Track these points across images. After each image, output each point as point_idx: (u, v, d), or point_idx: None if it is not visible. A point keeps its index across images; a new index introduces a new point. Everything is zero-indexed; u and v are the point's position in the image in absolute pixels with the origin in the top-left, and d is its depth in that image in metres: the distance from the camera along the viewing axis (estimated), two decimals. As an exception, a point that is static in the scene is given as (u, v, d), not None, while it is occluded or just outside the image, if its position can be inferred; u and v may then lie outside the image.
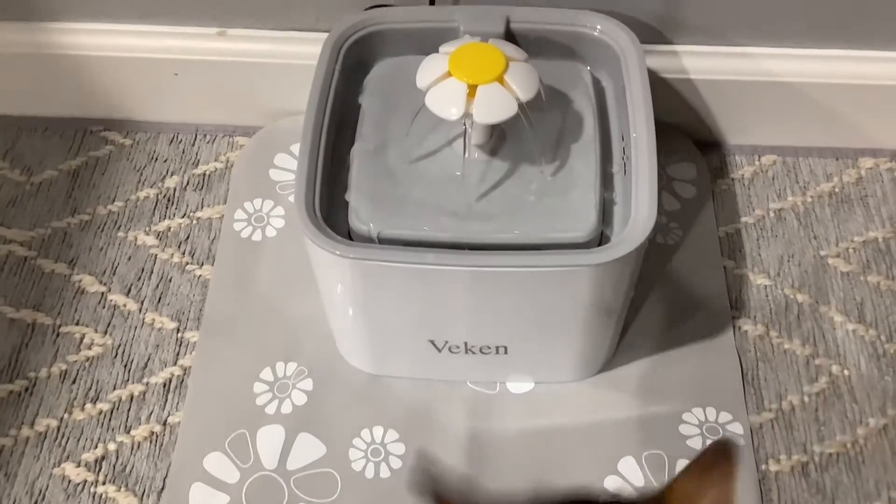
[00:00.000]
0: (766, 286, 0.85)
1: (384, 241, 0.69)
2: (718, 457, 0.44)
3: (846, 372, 0.80)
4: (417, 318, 0.73)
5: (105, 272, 0.86)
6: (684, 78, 0.88)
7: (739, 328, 0.82)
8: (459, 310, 0.72)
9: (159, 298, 0.85)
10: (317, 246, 0.67)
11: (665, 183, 0.90)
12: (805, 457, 0.76)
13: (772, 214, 0.89)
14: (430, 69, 0.68)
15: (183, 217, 0.90)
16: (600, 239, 0.71)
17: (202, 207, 0.90)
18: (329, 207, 0.71)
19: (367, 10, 0.81)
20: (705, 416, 0.77)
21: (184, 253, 0.88)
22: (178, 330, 0.83)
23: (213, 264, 0.86)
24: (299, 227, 0.68)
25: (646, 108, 0.73)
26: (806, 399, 0.79)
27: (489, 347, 0.75)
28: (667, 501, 0.44)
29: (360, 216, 0.70)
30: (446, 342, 0.75)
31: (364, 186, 0.71)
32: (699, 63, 0.88)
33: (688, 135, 0.93)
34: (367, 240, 0.70)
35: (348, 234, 0.71)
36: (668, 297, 0.84)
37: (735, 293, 0.84)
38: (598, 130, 0.75)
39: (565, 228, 0.69)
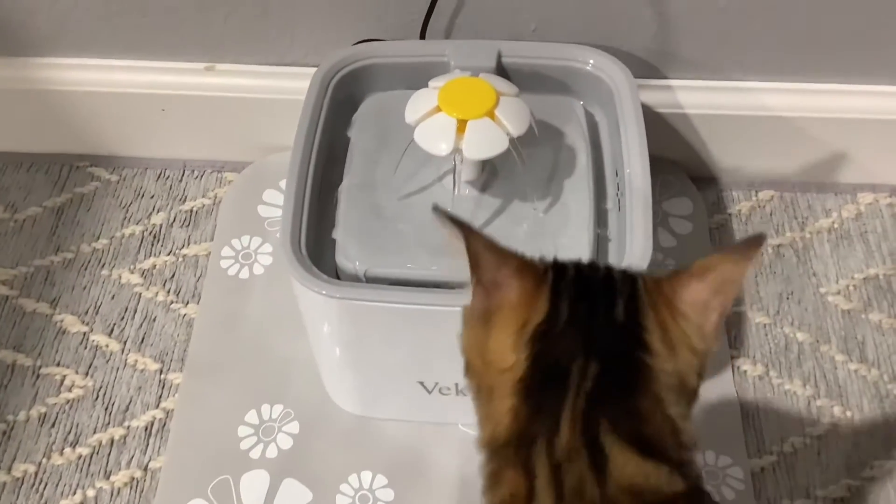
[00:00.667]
0: (765, 325, 0.83)
1: (372, 280, 0.67)
2: (747, 243, 0.49)
3: (849, 413, 0.78)
4: (406, 359, 0.71)
5: (88, 311, 0.84)
6: (679, 112, 0.87)
7: (738, 368, 0.80)
8: (449, 350, 0.69)
9: (142, 338, 0.82)
10: (302, 285, 0.65)
11: (660, 218, 0.88)
12: (808, 501, 0.74)
13: (770, 251, 0.88)
14: (419, 104, 0.67)
15: (169, 254, 0.88)
16: (594, 277, 0.69)
17: (188, 244, 0.89)
18: (316, 245, 0.69)
19: (356, 44, 0.80)
20: (704, 460, 0.75)
21: (169, 291, 0.86)
22: (161, 371, 0.81)
23: (198, 303, 0.84)
24: (285, 265, 0.66)
25: (640, 144, 0.71)
26: (808, 441, 0.77)
27: (481, 389, 0.73)
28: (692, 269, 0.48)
29: (348, 254, 0.68)
30: (436, 383, 0.72)
31: (352, 224, 0.70)
32: (694, 97, 0.86)
33: (683, 169, 0.92)
34: (355, 278, 0.68)
35: (336, 273, 0.69)
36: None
37: (734, 332, 0.82)
38: (591, 166, 0.73)
39: (558, 266, 0.67)
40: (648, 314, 0.47)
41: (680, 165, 0.91)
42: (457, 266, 0.68)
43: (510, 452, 0.46)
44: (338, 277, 0.69)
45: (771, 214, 0.90)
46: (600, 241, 0.71)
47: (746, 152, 0.90)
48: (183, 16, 0.83)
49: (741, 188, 0.92)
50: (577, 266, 0.50)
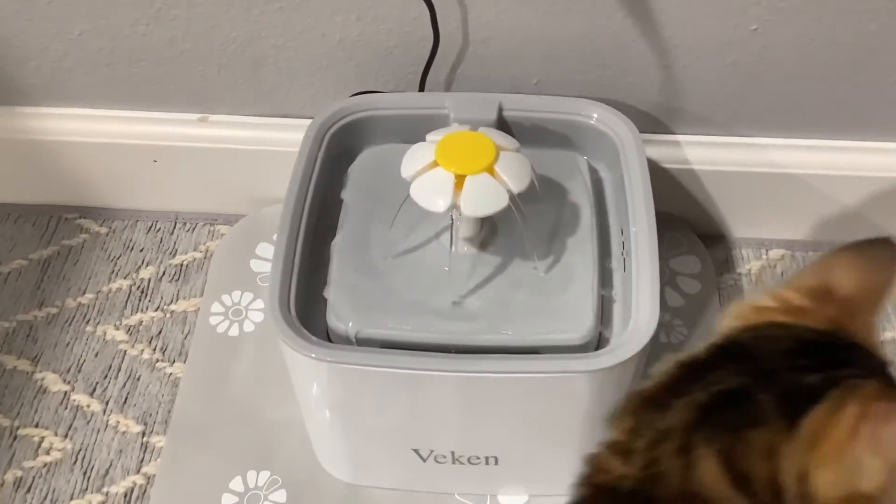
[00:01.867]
0: (777, 390, 0.79)
1: (363, 342, 0.64)
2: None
3: None
4: (400, 426, 0.67)
5: (70, 369, 0.81)
6: (686, 168, 0.84)
7: (750, 436, 0.76)
8: (445, 417, 0.66)
9: (125, 399, 0.79)
10: (290, 347, 0.61)
11: (668, 277, 0.85)
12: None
13: (782, 312, 0.84)
14: (415, 158, 0.64)
15: (156, 310, 0.85)
16: (598, 341, 0.66)
17: (177, 300, 0.85)
18: (307, 304, 0.66)
19: (353, 96, 0.78)
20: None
21: (155, 349, 0.82)
22: (143, 434, 0.77)
23: (185, 361, 0.81)
24: (272, 325, 0.62)
25: (646, 201, 0.68)
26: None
27: (478, 457, 0.69)
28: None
29: (339, 314, 0.65)
30: (432, 451, 0.68)
31: (343, 282, 0.66)
32: (701, 153, 0.84)
33: (691, 227, 0.89)
34: (346, 340, 0.64)
35: (327, 334, 0.66)
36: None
37: (745, 398, 0.78)
38: (595, 224, 0.70)
39: (560, 330, 0.64)
40: None
41: (687, 222, 0.88)
42: (454, 328, 0.65)
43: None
44: (329, 339, 0.66)
45: (782, 275, 0.87)
46: (605, 303, 0.67)
47: (756, 210, 0.87)
48: (176, 66, 0.81)
49: (751, 247, 0.89)
50: None
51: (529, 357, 0.62)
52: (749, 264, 0.88)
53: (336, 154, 0.74)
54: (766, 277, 0.87)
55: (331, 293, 0.66)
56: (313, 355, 0.61)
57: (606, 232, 0.72)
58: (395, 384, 0.62)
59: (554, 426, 0.66)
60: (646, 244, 0.66)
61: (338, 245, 0.69)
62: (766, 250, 0.89)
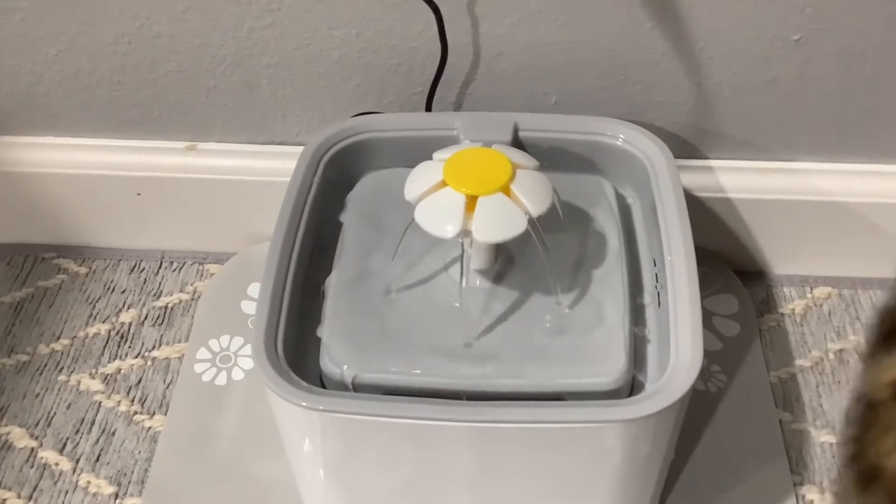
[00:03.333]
0: (831, 444, 0.70)
1: (362, 388, 0.56)
2: None
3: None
4: (405, 483, 0.58)
5: (38, 423, 0.72)
6: (720, 197, 0.76)
7: (803, 497, 0.67)
8: (457, 473, 0.57)
9: (98, 456, 0.70)
10: (277, 395, 0.53)
11: (704, 318, 0.76)
12: None
13: (832, 356, 0.75)
14: (421, 178, 0.57)
15: (136, 357, 0.77)
16: (632, 386, 0.57)
17: (160, 346, 0.77)
18: (298, 346, 0.58)
19: (353, 116, 0.71)
20: None
21: (133, 400, 0.74)
22: (116, 496, 0.68)
23: (166, 414, 0.73)
24: (257, 370, 0.54)
25: (682, 228, 0.61)
26: (894, 590, 0.63)
27: (495, 522, 0.60)
28: None
29: (334, 356, 0.57)
30: (440, 514, 0.60)
31: (340, 320, 0.59)
32: (738, 180, 0.76)
33: (727, 262, 0.80)
34: (342, 386, 0.56)
35: (320, 379, 0.58)
36: (714, 457, 0.69)
37: (795, 453, 0.69)
38: (625, 254, 0.62)
39: (588, 373, 0.55)
40: None
41: (723, 257, 0.80)
42: (465, 371, 0.57)
43: None
44: (322, 384, 0.58)
45: (829, 315, 0.79)
46: (638, 342, 0.59)
47: (798, 243, 0.79)
48: (160, 88, 0.74)
49: (794, 284, 0.81)
50: None
51: (553, 405, 0.53)
52: (792, 304, 0.79)
53: (333, 180, 0.67)
54: (812, 318, 0.78)
55: (325, 333, 0.58)
56: (304, 403, 0.53)
57: (637, 263, 0.64)
58: (399, 436, 0.54)
59: (581, 483, 0.57)
60: (684, 276, 0.58)
61: (334, 279, 0.61)
62: (811, 288, 0.80)
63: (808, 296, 0.80)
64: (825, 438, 0.70)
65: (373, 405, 0.53)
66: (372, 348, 0.57)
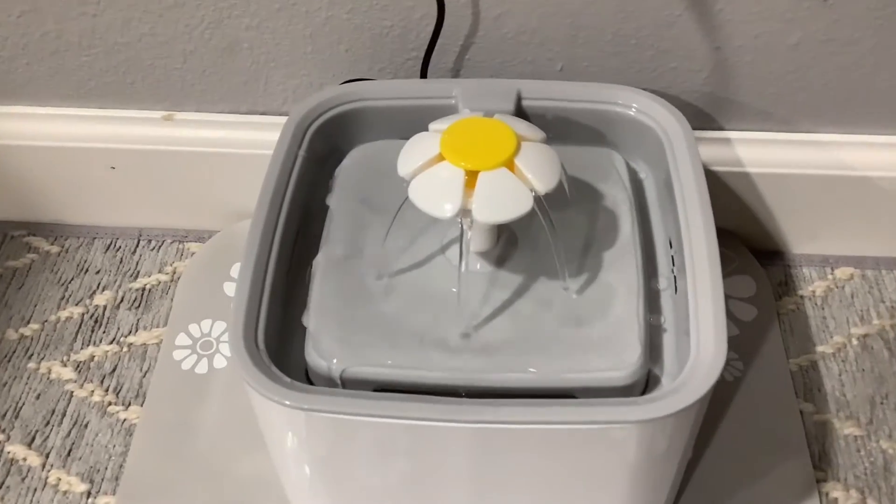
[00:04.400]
0: (856, 437, 0.65)
1: (351, 383, 0.51)
2: None
3: (974, 556, 0.60)
4: (398, 485, 0.54)
5: (6, 415, 0.67)
6: (738, 171, 0.71)
7: (827, 495, 0.63)
8: (455, 475, 0.52)
9: (69, 450, 0.66)
10: (256, 392, 0.48)
11: (718, 302, 0.71)
12: None
13: (855, 342, 0.71)
14: (415, 151, 0.51)
15: (111, 343, 0.72)
16: (647, 380, 0.52)
17: (136, 330, 0.72)
18: (281, 335, 0.53)
19: (342, 84, 0.65)
20: None
21: (107, 390, 0.69)
22: (88, 494, 0.63)
23: (142, 405, 0.68)
24: (234, 364, 0.49)
25: (702, 206, 0.55)
26: None
27: (496, 526, 0.55)
28: None
29: (321, 348, 0.52)
30: (437, 518, 0.55)
31: (327, 308, 0.53)
32: (757, 153, 0.71)
33: (743, 241, 0.75)
34: (329, 380, 0.51)
35: (306, 373, 0.53)
36: (730, 451, 0.64)
37: (818, 447, 0.65)
38: (638, 234, 0.57)
39: (600, 367, 0.51)
40: None
41: (738, 236, 0.75)
42: (464, 364, 0.52)
43: None
44: (308, 379, 0.53)
45: (852, 297, 0.74)
46: (652, 332, 0.54)
47: (819, 220, 0.74)
48: (133, 54, 0.69)
49: (814, 264, 0.76)
50: None
51: (562, 403, 0.48)
52: (812, 285, 0.74)
53: (320, 154, 0.62)
54: (833, 301, 0.73)
55: (311, 321, 0.53)
56: (287, 402, 0.48)
57: (651, 244, 0.59)
58: (392, 437, 0.49)
59: (589, 485, 0.52)
60: (704, 259, 0.53)
61: (321, 261, 0.56)
62: (832, 268, 0.75)
63: (830, 277, 0.75)
64: (850, 431, 0.66)
65: (363, 404, 0.47)
66: (362, 339, 0.52)
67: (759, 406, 0.67)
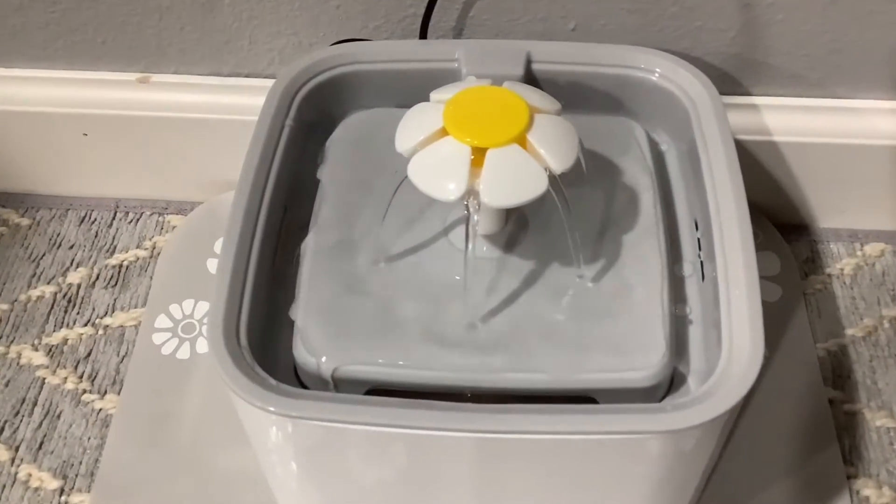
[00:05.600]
0: (889, 430, 0.61)
1: (343, 383, 0.46)
2: None
3: None
4: (394, 498, 0.49)
5: (-28, 403, 0.63)
6: (764, 140, 0.65)
7: (858, 493, 0.58)
8: (457, 488, 0.47)
9: (41, 443, 0.61)
10: (237, 395, 0.43)
11: (740, 281, 0.66)
12: None
13: (886, 325, 0.66)
14: (415, 125, 0.46)
15: (86, 325, 0.66)
16: (672, 379, 0.47)
17: (113, 311, 0.67)
18: (266, 329, 0.48)
19: (333, 45, 0.59)
20: None
21: (81, 376, 0.64)
22: (61, 491, 0.59)
23: (119, 393, 0.63)
24: (213, 363, 0.44)
25: (733, 183, 0.50)
26: None
27: (503, 535, 0.50)
28: None
29: (309, 344, 0.46)
30: (438, 525, 0.50)
31: (317, 298, 0.48)
32: (785, 120, 0.65)
33: (766, 215, 0.70)
34: (319, 380, 0.46)
35: (294, 371, 0.48)
36: (754, 444, 0.60)
37: (848, 440, 0.60)
38: (661, 214, 0.51)
39: (620, 366, 0.46)
40: None
41: (763, 210, 0.70)
42: (469, 362, 0.47)
43: None
44: (297, 378, 0.48)
45: (883, 275, 0.69)
46: (678, 325, 0.49)
47: (849, 193, 0.69)
48: (104, 10, 0.62)
49: (842, 240, 0.70)
50: None
51: (578, 410, 0.43)
52: (841, 263, 0.69)
53: (310, 123, 0.56)
54: (863, 279, 0.68)
55: (299, 314, 0.48)
56: (272, 408, 0.42)
57: (674, 226, 0.54)
58: (387, 445, 0.44)
59: (607, 499, 0.48)
60: (736, 242, 0.48)
61: (310, 245, 0.51)
62: (861, 244, 0.70)
63: (859, 253, 0.70)
64: (882, 422, 0.61)
65: (355, 410, 0.42)
66: (356, 334, 0.47)
67: (784, 395, 0.62)
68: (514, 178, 0.44)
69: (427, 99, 0.48)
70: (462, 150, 0.44)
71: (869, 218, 0.70)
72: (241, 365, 0.44)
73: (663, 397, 0.47)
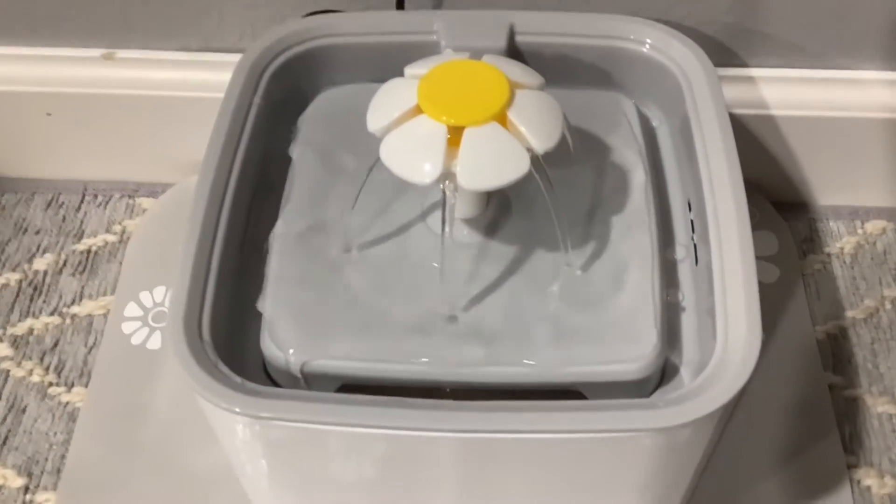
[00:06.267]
0: (891, 416, 0.58)
1: (314, 379, 0.43)
2: None
3: None
4: (373, 499, 0.46)
5: (-68, 398, 0.60)
6: (761, 114, 0.63)
7: (859, 482, 0.56)
8: (438, 486, 0.45)
9: (5, 439, 0.58)
10: (199, 394, 0.40)
11: (736, 262, 0.63)
12: None
13: (888, 306, 0.63)
14: (388, 102, 0.43)
15: (52, 314, 0.64)
16: (663, 370, 0.45)
17: (81, 299, 0.64)
18: (231, 322, 0.45)
19: (305, 17, 0.56)
20: None
21: (47, 368, 0.61)
22: (26, 489, 0.56)
23: (87, 385, 0.60)
24: (174, 358, 0.41)
25: (728, 161, 0.47)
26: None
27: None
28: None
29: (278, 337, 0.44)
30: (418, 525, 0.48)
31: (286, 288, 0.45)
32: (784, 92, 0.62)
33: (764, 193, 0.67)
34: (288, 375, 0.43)
35: (263, 365, 0.45)
36: (751, 433, 0.57)
37: (849, 427, 0.58)
38: (652, 195, 0.49)
39: (609, 358, 0.43)
40: None
41: (760, 187, 0.67)
42: (449, 355, 0.44)
43: None
44: (266, 373, 0.45)
45: (885, 254, 0.66)
46: (670, 311, 0.46)
47: (850, 169, 0.66)
48: (63, -19, 0.59)
49: (842, 217, 0.68)
50: None
51: (565, 406, 0.40)
52: (840, 241, 0.67)
53: (280, 100, 0.53)
54: (864, 258, 0.65)
55: (267, 305, 0.45)
56: (237, 409, 0.40)
57: (666, 206, 0.51)
58: (362, 446, 0.41)
59: (597, 498, 0.45)
60: (733, 225, 0.45)
61: (280, 231, 0.48)
62: (862, 222, 0.67)
63: (860, 231, 0.67)
64: (884, 408, 0.58)
65: (326, 410, 0.40)
66: (327, 326, 0.44)
67: (782, 380, 0.59)
68: (494, 159, 0.41)
69: (402, 74, 0.45)
70: (438, 129, 0.41)
71: (870, 194, 0.67)
72: (204, 362, 0.41)
73: (654, 389, 0.44)
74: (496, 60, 0.44)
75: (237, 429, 0.42)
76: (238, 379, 0.41)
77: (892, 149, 0.64)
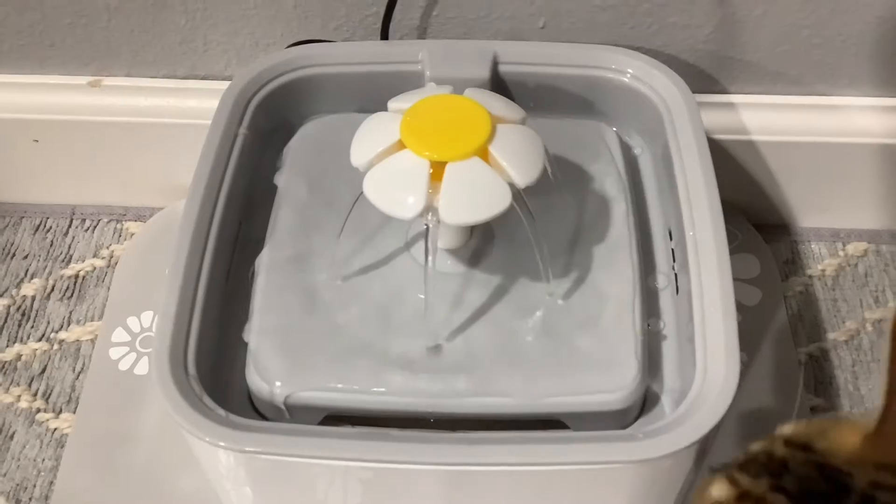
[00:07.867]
0: (872, 437, 0.59)
1: (298, 411, 0.44)
2: None
3: None
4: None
5: (-80, 424, 0.60)
6: (742, 139, 0.63)
7: None
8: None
9: (-8, 466, 0.58)
10: (184, 428, 0.41)
11: (718, 285, 0.64)
12: None
13: (869, 328, 0.64)
14: (371, 137, 0.43)
15: (40, 339, 0.64)
16: (644, 399, 0.45)
17: (68, 325, 0.64)
18: (221, 351, 0.46)
19: (290, 46, 0.56)
20: None
21: (35, 394, 0.61)
22: (13, 517, 0.56)
23: (75, 411, 0.60)
24: (157, 391, 0.42)
25: (708, 191, 0.48)
26: None
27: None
28: None
29: (262, 368, 0.44)
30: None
31: (271, 318, 0.46)
32: (764, 118, 0.63)
33: (745, 215, 0.68)
34: (273, 407, 0.44)
35: (248, 397, 0.45)
36: (732, 454, 0.57)
37: (830, 450, 0.58)
38: (633, 223, 0.49)
39: (590, 388, 0.43)
40: None
41: (741, 210, 0.67)
42: (431, 387, 0.44)
43: None
44: (251, 404, 0.45)
45: (866, 276, 0.67)
46: (651, 340, 0.47)
47: (831, 191, 0.67)
48: (49, 11, 0.59)
49: (823, 239, 0.68)
50: None
51: (547, 439, 0.41)
52: (822, 263, 0.67)
53: (266, 129, 0.54)
54: (845, 280, 0.66)
55: (252, 336, 0.45)
56: (222, 443, 0.40)
57: (648, 235, 0.51)
58: (345, 479, 0.42)
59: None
60: (712, 254, 0.45)
61: (265, 260, 0.48)
62: (843, 244, 0.68)
63: (841, 253, 0.68)
64: (864, 431, 0.59)
65: (311, 444, 0.40)
66: (311, 357, 0.44)
67: (764, 401, 0.60)
68: (476, 194, 0.41)
69: (385, 107, 0.45)
70: (420, 164, 0.41)
71: (851, 216, 0.68)
72: (189, 396, 0.41)
73: (636, 418, 0.45)
74: (478, 94, 0.45)
75: (221, 460, 0.42)
76: (222, 412, 0.41)
77: (872, 171, 0.65)
